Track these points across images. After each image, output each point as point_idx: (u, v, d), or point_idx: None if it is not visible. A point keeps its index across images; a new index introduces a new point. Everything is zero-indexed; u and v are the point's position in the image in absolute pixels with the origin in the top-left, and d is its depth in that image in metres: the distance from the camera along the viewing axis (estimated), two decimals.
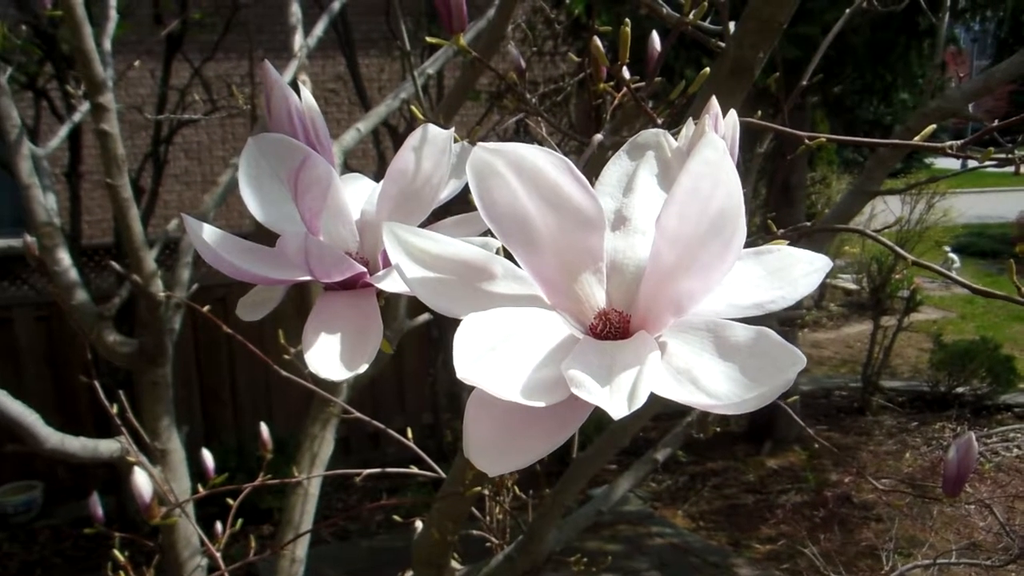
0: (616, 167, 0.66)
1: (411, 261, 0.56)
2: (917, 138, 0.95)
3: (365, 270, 0.67)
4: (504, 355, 0.51)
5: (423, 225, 0.70)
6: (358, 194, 0.77)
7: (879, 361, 7.94)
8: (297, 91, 0.75)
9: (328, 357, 0.61)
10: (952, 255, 12.07)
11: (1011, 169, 1.10)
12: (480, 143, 0.54)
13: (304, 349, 0.61)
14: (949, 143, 0.92)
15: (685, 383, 0.51)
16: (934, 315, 10.81)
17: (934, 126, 1.02)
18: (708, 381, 0.50)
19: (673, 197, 0.52)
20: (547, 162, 0.55)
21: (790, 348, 0.49)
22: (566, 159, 0.55)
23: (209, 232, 0.64)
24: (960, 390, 7.62)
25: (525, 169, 0.55)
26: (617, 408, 0.46)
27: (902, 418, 7.63)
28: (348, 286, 0.68)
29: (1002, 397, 7.60)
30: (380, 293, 0.69)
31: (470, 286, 0.57)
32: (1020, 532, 4.37)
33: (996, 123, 0.99)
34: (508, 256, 0.59)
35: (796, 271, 0.58)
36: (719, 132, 0.67)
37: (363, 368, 0.61)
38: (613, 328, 0.57)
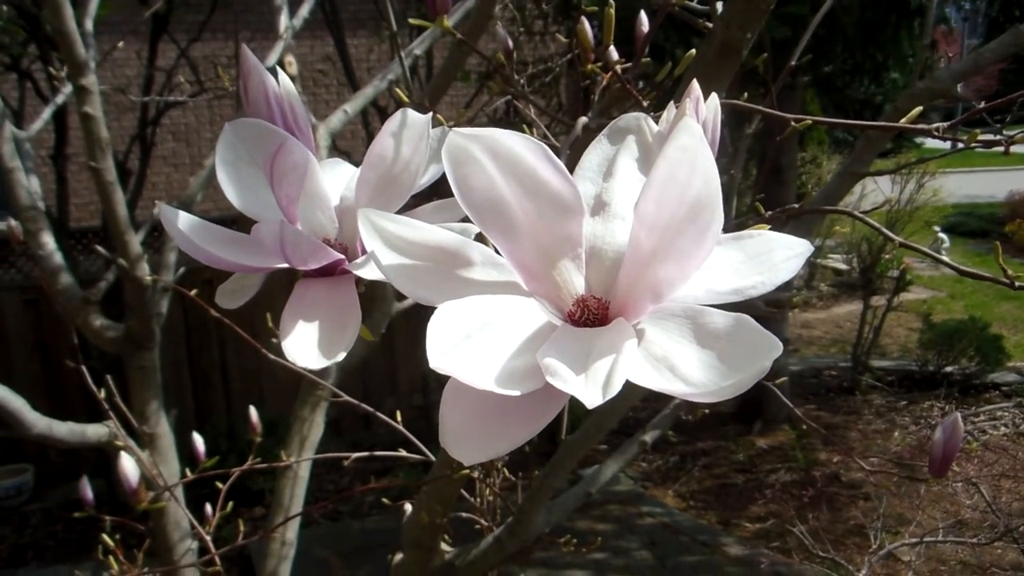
0: (596, 151, 0.65)
1: (386, 248, 0.55)
2: (904, 120, 0.95)
3: (343, 257, 0.67)
4: (479, 343, 0.50)
5: (403, 210, 0.69)
6: (338, 180, 0.76)
7: (869, 341, 7.98)
8: (278, 74, 0.74)
9: (305, 345, 0.61)
10: (942, 235, 12.11)
11: (1000, 149, 1.10)
12: (455, 128, 0.54)
13: (281, 337, 0.61)
14: (936, 125, 0.91)
15: (662, 370, 0.50)
16: (923, 295, 10.85)
17: (920, 108, 1.02)
18: (685, 368, 0.50)
19: (650, 183, 0.52)
20: (524, 147, 0.55)
21: (767, 335, 0.49)
22: (543, 144, 0.55)
23: (185, 221, 0.63)
24: (949, 369, 7.67)
25: (501, 155, 0.55)
26: (591, 397, 0.46)
27: (891, 397, 7.68)
28: (326, 273, 0.67)
29: (990, 376, 7.65)
30: (360, 280, 0.68)
31: (447, 273, 0.57)
32: (1006, 510, 4.41)
33: (984, 104, 0.98)
34: (486, 242, 0.59)
35: (776, 256, 0.58)
36: (700, 116, 0.66)
37: (341, 356, 0.60)
38: (591, 315, 0.57)
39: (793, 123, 1.00)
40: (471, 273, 0.57)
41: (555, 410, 0.50)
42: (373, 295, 2.83)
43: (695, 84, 0.65)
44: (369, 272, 0.65)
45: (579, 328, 0.56)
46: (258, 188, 0.71)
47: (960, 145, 1.24)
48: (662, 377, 0.50)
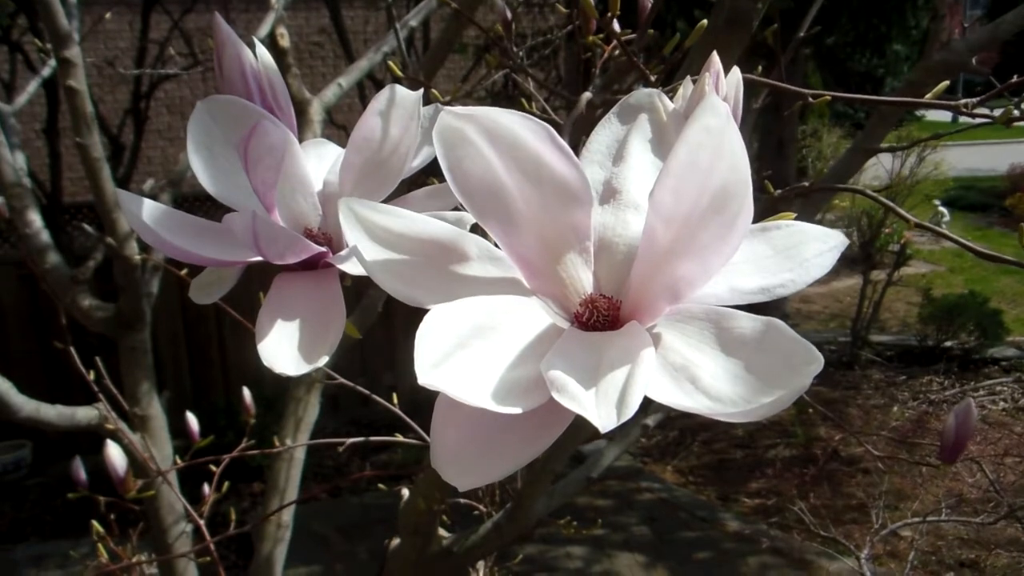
0: (605, 132, 0.59)
1: (371, 241, 0.49)
2: (929, 95, 0.89)
3: (324, 250, 0.60)
4: (474, 353, 0.44)
5: (392, 197, 0.63)
6: (323, 162, 0.69)
7: (868, 315, 7.94)
8: (256, 47, 0.67)
9: (283, 349, 0.54)
10: (942, 209, 11.99)
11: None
12: (448, 107, 0.47)
13: (257, 339, 0.55)
14: (964, 101, 0.85)
15: (682, 382, 0.44)
16: (923, 269, 10.79)
17: (947, 82, 0.95)
18: (710, 381, 0.44)
19: (668, 170, 0.45)
20: (524, 128, 0.48)
21: (803, 343, 0.43)
22: (546, 125, 0.48)
23: (149, 209, 0.57)
24: (948, 344, 7.64)
25: (500, 137, 0.48)
26: (605, 419, 0.40)
27: (890, 372, 7.65)
28: (309, 266, 0.61)
29: (990, 351, 7.62)
30: (346, 273, 0.62)
31: (439, 269, 0.50)
32: (1009, 488, 4.40)
33: (1016, 79, 0.92)
34: (484, 234, 0.53)
35: (808, 250, 0.52)
36: (721, 92, 0.60)
37: (323, 360, 0.54)
38: (601, 316, 0.51)
39: (811, 99, 0.93)
40: (466, 269, 0.51)
41: (561, 427, 0.44)
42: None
43: (715, 57, 0.59)
44: (356, 266, 0.59)
45: (588, 332, 0.50)
46: (235, 173, 0.65)
47: (978, 121, 1.17)
48: (682, 391, 0.44)
